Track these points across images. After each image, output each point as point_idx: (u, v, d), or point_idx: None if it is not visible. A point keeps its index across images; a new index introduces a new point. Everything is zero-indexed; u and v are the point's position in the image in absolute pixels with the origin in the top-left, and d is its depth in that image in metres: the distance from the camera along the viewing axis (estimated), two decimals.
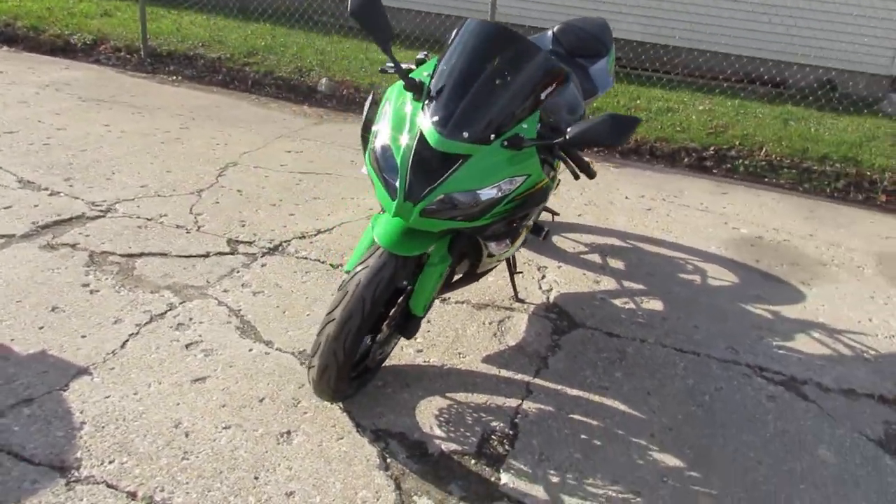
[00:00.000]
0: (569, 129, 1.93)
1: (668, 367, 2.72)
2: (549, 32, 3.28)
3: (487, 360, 2.63)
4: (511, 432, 2.27)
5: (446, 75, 2.01)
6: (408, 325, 2.21)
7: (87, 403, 2.18)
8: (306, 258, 3.23)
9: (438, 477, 2.07)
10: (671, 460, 2.23)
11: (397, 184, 1.94)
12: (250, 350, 2.53)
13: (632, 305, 3.16)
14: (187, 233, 3.34)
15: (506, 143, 1.98)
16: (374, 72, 6.52)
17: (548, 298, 3.13)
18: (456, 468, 2.11)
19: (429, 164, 1.92)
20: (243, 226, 3.48)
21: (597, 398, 2.49)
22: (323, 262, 3.20)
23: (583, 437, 2.29)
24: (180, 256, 3.12)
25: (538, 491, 2.05)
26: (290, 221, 3.59)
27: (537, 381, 2.54)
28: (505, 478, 2.09)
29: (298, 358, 2.51)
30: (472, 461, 2.14)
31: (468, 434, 2.24)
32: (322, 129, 5.28)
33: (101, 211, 3.46)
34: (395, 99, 2.09)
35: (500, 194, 1.98)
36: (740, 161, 5.33)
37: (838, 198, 5.03)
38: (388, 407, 2.31)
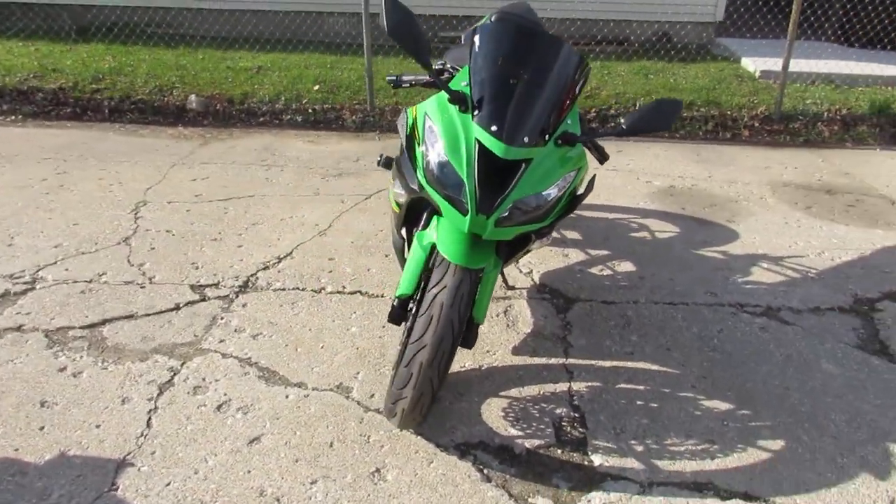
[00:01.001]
0: (622, 120, 2.00)
1: (671, 321, 2.93)
2: (488, 23, 3.29)
3: (516, 351, 2.68)
4: (577, 414, 2.35)
5: (487, 82, 1.99)
6: (469, 336, 2.19)
7: (151, 496, 1.96)
8: (284, 289, 3.07)
9: (538, 474, 2.10)
10: (720, 405, 2.43)
11: (463, 199, 1.91)
12: (287, 397, 2.38)
13: (608, 271, 3.34)
14: (141, 287, 3.03)
15: (559, 141, 2.02)
16: (244, 81, 6.18)
17: (534, 280, 3.22)
18: (548, 462, 2.15)
19: (493, 175, 1.91)
20: (197, 268, 3.22)
21: (629, 364, 2.63)
22: (303, 290, 3.06)
23: (639, 403, 2.42)
24: (149, 315, 2.84)
25: (632, 462, 2.15)
26: (244, 254, 3.37)
27: (571, 361, 2.64)
28: (596, 459, 2.17)
29: (340, 393, 2.40)
30: (559, 451, 2.20)
31: (541, 426, 2.29)
32: (213, 149, 4.94)
33: (27, 283, 3.04)
34: (438, 114, 2.03)
35: (560, 192, 2.02)
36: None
37: (711, 139, 5.57)
38: (456, 420, 2.30)
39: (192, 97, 5.78)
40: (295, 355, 2.60)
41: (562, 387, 2.48)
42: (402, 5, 1.99)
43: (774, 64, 6.61)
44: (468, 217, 1.90)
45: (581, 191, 2.26)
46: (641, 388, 2.50)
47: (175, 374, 2.47)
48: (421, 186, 2.02)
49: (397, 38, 1.95)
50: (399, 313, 2.14)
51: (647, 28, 7.67)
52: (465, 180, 1.90)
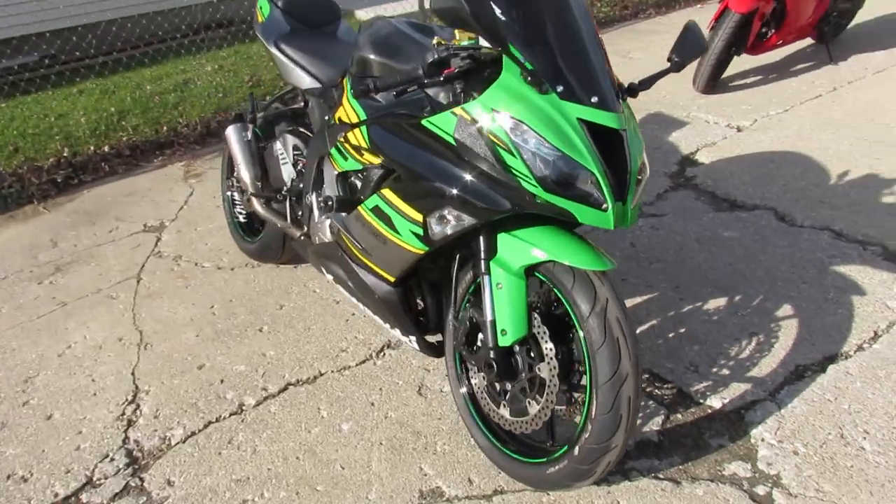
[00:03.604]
0: (674, 57, 1.76)
1: None
2: (275, 8, 2.71)
3: None
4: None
5: (548, 51, 1.57)
6: None
7: None
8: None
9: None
10: None
11: (596, 192, 1.55)
12: None
13: None
14: None
15: (625, 96, 1.72)
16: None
17: None
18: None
19: (602, 153, 1.57)
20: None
21: None
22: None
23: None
24: None
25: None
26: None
27: None
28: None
29: None
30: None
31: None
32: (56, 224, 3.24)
33: None
34: (513, 107, 1.55)
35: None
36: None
37: None
38: None
39: None
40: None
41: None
42: None
43: None
44: (609, 210, 1.54)
45: None
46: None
47: None
48: (532, 198, 1.57)
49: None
50: (507, 366, 1.77)
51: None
52: (593, 170, 1.53)
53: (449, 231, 1.71)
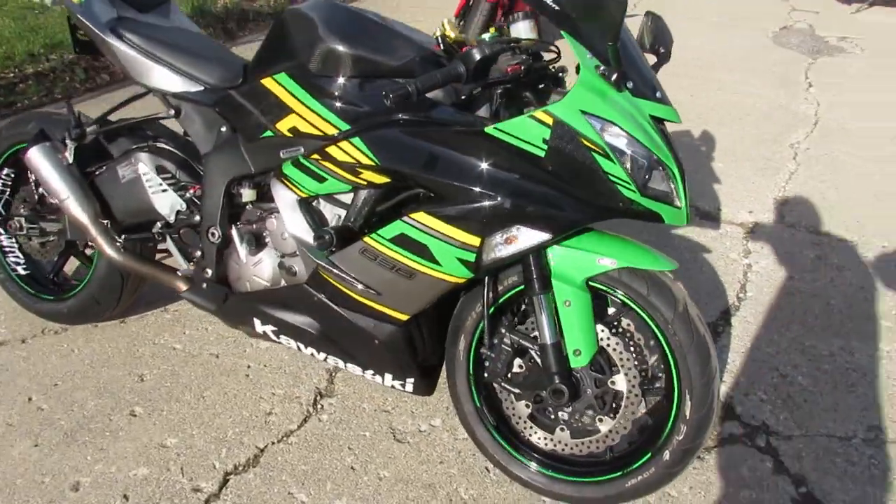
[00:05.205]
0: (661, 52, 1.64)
1: None
2: None
3: None
4: None
5: (605, 45, 1.42)
6: None
7: None
8: None
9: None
10: None
11: (674, 189, 1.46)
12: None
13: None
14: None
15: None
16: None
17: None
18: None
19: None
20: None
21: None
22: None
23: None
24: None
25: None
26: None
27: None
28: None
29: None
30: None
31: None
32: None
33: None
34: (598, 101, 1.39)
35: None
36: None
37: None
38: None
39: None
40: None
41: None
42: None
43: None
44: (683, 207, 1.47)
45: None
46: None
47: None
48: (628, 204, 1.43)
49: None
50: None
51: None
52: (674, 168, 1.45)
53: (513, 251, 1.49)
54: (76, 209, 1.96)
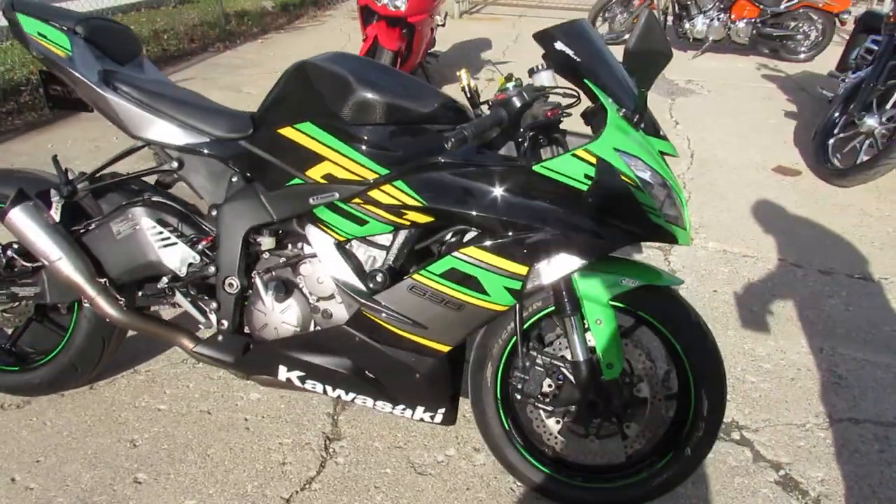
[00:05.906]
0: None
1: None
2: (76, 38, 1.93)
3: None
4: None
5: (615, 86, 1.64)
6: None
7: None
8: None
9: None
10: None
11: (681, 213, 1.66)
12: None
13: None
14: None
15: None
16: None
17: None
18: None
19: None
20: None
21: None
22: None
23: None
24: None
25: None
26: None
27: None
28: None
29: None
30: None
31: None
32: None
33: None
34: (626, 139, 1.58)
35: None
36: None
37: None
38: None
39: None
40: None
41: None
42: None
43: None
44: (688, 228, 1.68)
45: None
46: None
47: None
48: (656, 229, 1.62)
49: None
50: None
51: None
52: (681, 196, 1.66)
53: (556, 277, 1.63)
54: (69, 269, 1.85)
